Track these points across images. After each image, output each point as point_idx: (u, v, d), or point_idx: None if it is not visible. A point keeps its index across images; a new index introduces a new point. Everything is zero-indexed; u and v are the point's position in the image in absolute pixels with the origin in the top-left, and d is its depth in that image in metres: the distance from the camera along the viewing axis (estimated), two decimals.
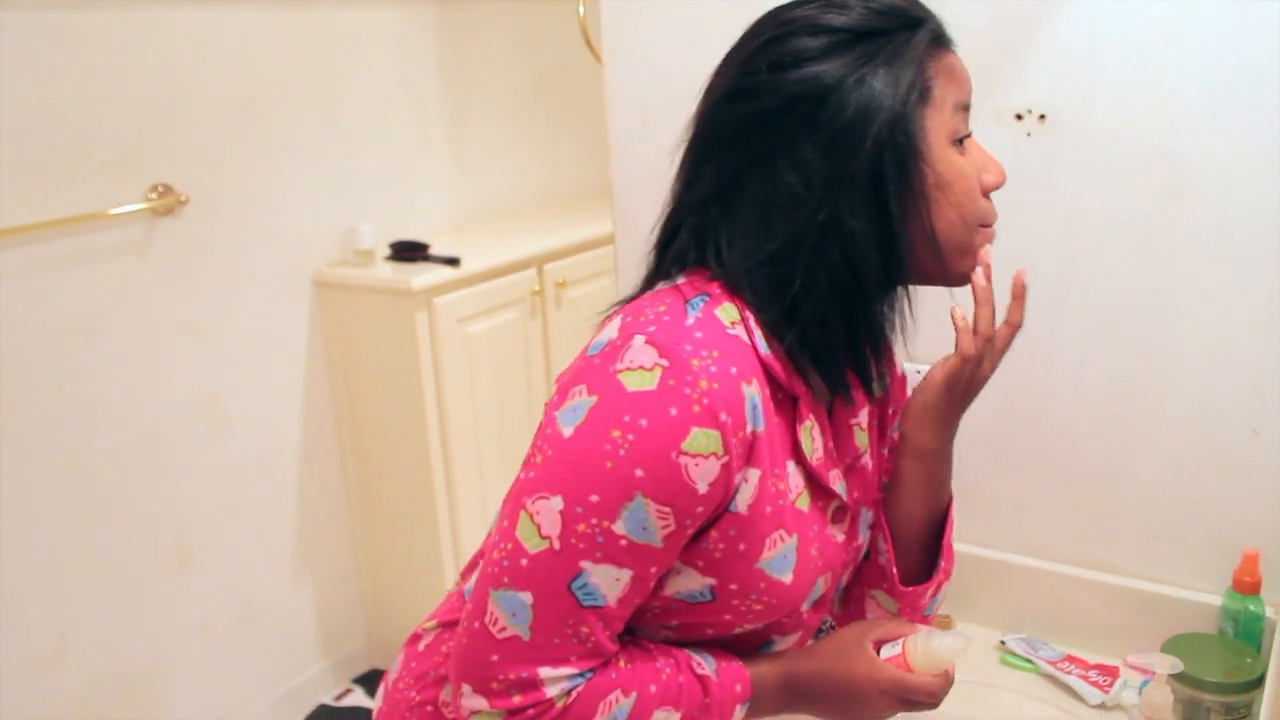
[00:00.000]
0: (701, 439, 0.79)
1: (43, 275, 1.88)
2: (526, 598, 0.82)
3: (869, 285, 0.86)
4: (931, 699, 0.90)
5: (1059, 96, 1.32)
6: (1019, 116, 1.35)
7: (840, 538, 0.96)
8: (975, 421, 1.46)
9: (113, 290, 1.99)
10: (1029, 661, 1.38)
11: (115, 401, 2.01)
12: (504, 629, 0.83)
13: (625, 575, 0.82)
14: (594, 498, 0.80)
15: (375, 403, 2.42)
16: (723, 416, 0.79)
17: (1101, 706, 1.29)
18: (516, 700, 0.84)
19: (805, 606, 0.94)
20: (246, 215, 2.16)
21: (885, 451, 1.05)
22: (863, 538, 1.00)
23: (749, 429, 0.81)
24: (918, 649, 0.90)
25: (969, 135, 0.89)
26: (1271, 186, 1.23)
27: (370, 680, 2.68)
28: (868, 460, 1.00)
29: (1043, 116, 1.33)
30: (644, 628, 0.93)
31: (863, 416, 0.98)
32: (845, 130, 0.83)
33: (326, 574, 2.52)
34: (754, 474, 0.83)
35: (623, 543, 0.81)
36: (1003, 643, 1.42)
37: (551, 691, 0.84)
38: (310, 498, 2.43)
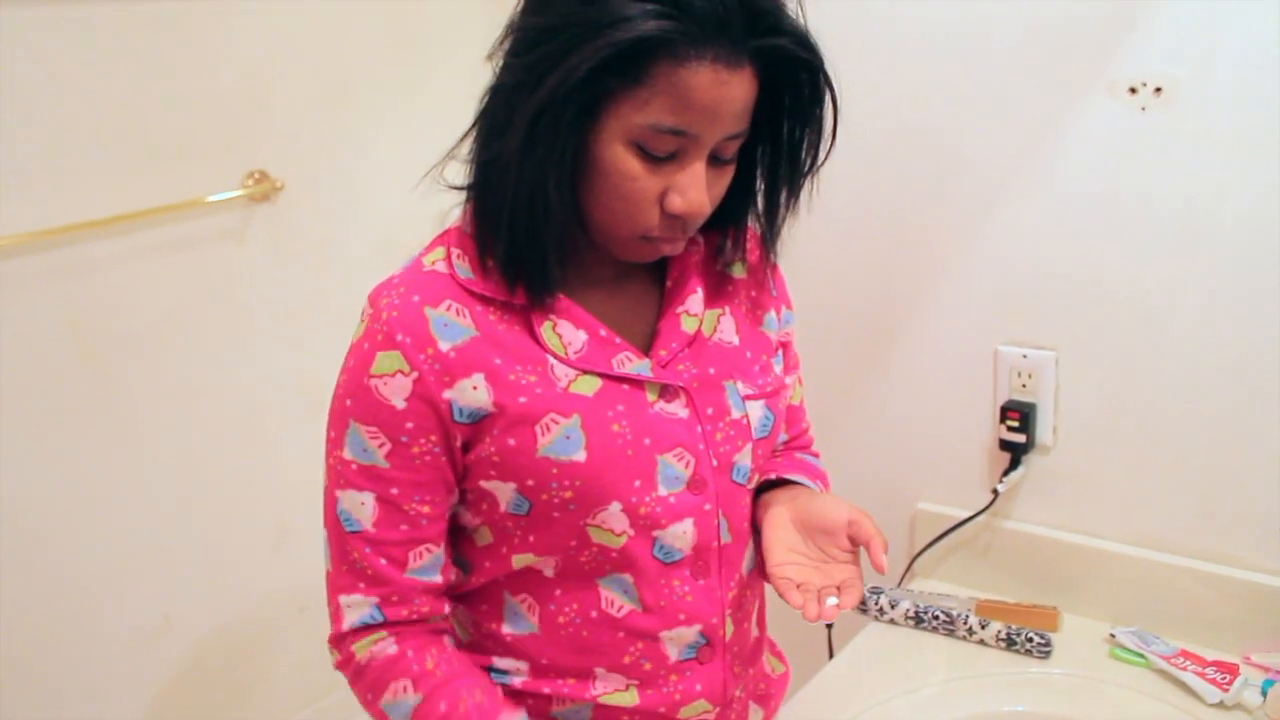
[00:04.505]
0: (385, 361, 0.90)
1: (144, 262, 1.91)
2: (325, 535, 0.97)
3: (537, 216, 0.88)
4: None
5: (1177, 66, 1.26)
6: (1133, 90, 1.29)
7: (682, 414, 0.96)
8: (1084, 404, 1.42)
9: (212, 276, 2.01)
10: (1140, 656, 1.33)
11: (215, 385, 2.04)
12: (325, 565, 0.98)
13: (368, 498, 0.93)
14: (331, 433, 0.94)
15: None
16: (399, 337, 0.90)
17: (1220, 705, 1.23)
18: (331, 631, 0.98)
19: (664, 489, 0.94)
20: (341, 200, 2.17)
21: (766, 331, 1.07)
22: (737, 412, 0.99)
23: (441, 345, 0.90)
24: None
25: (670, 157, 0.86)
26: None
27: None
28: (723, 338, 1.02)
29: (1159, 89, 1.28)
30: (532, 572, 0.98)
31: (690, 304, 1.00)
32: (530, 68, 0.85)
33: None
34: (478, 378, 0.90)
35: (354, 467, 0.92)
36: (1112, 635, 1.37)
37: (350, 619, 0.95)
38: None
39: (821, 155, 0.94)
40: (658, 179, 0.87)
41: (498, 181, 0.89)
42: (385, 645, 0.96)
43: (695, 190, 0.87)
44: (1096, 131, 1.33)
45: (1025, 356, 1.44)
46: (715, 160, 0.89)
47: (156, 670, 2.00)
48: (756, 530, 1.04)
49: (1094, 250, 1.37)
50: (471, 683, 0.96)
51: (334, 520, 0.95)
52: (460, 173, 0.96)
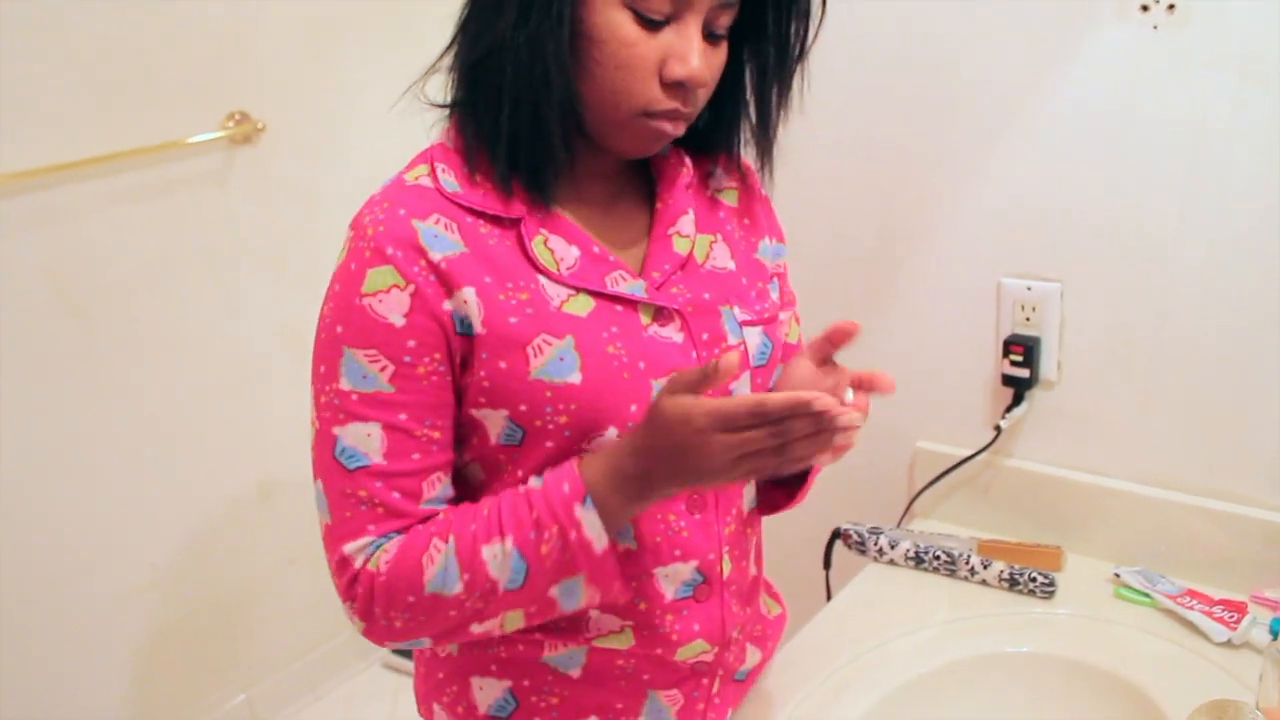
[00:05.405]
0: (377, 277, 0.85)
1: (124, 205, 1.87)
2: (320, 485, 0.89)
3: (538, 110, 0.86)
4: (756, 407, 0.79)
5: None
6: (1144, 7, 1.24)
7: (677, 339, 0.93)
8: (1090, 337, 1.39)
9: (193, 219, 1.98)
10: (1146, 595, 1.30)
11: (196, 332, 2.01)
12: (320, 521, 0.90)
13: (374, 429, 0.86)
14: (322, 369, 0.88)
15: None
16: (390, 251, 0.85)
17: (1228, 644, 1.21)
18: (342, 582, 0.89)
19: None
20: (325, 141, 2.13)
21: (761, 258, 1.05)
22: (734, 338, 0.96)
23: (432, 256, 0.85)
24: None
25: (666, 21, 0.85)
26: None
27: None
28: (718, 264, 0.99)
29: (1171, 6, 1.23)
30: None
31: (681, 225, 0.97)
32: None
33: None
34: (469, 292, 0.86)
35: (354, 397, 0.86)
36: (1117, 575, 1.34)
37: (360, 562, 0.88)
38: None
39: (810, 38, 0.92)
40: (655, 45, 0.85)
41: (494, 68, 0.85)
42: (389, 545, 0.88)
43: (694, 55, 0.85)
44: (1105, 53, 1.28)
45: (1029, 289, 1.40)
46: (709, 35, 0.87)
47: (144, 623, 1.99)
48: None
49: (1101, 179, 1.32)
50: (486, 498, 0.90)
51: (332, 464, 0.88)
52: (441, 94, 0.92)
